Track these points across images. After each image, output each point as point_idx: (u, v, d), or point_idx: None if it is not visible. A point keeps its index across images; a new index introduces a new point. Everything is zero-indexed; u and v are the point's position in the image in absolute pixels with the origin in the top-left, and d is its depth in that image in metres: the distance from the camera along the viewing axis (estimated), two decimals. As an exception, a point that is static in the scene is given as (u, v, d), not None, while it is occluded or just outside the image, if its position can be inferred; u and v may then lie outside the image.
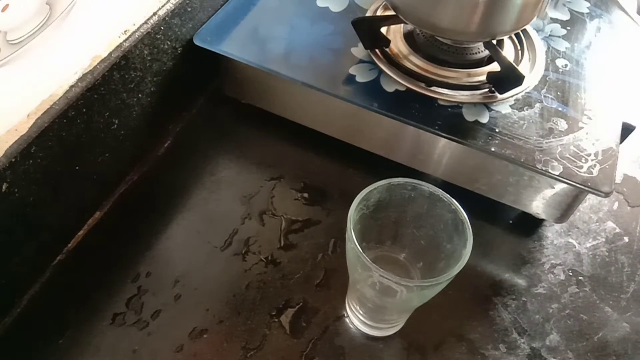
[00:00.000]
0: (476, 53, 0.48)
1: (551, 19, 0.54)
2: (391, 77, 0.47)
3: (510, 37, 0.51)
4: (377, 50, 0.49)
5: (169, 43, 0.47)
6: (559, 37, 0.52)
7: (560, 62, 0.50)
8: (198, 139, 0.51)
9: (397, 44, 0.49)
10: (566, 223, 0.47)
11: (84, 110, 0.39)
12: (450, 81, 0.46)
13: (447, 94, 0.46)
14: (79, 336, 0.39)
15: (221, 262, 0.43)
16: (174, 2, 0.46)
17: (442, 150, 0.46)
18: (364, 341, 0.40)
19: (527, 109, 0.46)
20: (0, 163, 0.34)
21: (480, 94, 0.46)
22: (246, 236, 0.44)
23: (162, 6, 0.45)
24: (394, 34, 0.50)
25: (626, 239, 0.48)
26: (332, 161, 0.50)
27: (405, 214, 0.37)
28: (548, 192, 0.44)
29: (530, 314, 0.42)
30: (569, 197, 0.44)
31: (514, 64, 0.45)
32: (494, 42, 0.47)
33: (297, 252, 0.44)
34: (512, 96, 0.46)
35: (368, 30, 0.48)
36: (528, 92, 0.47)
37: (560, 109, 0.46)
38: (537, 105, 0.46)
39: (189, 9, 0.48)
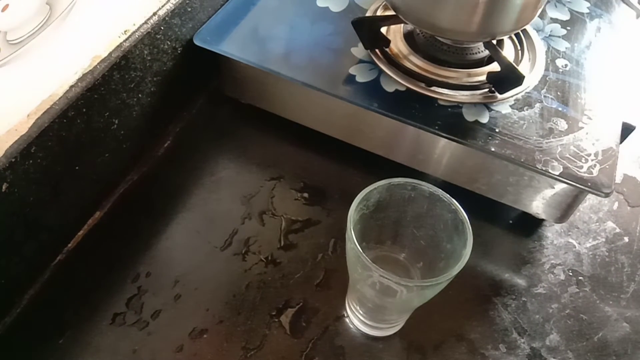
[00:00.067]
0: (476, 53, 0.48)
1: (551, 19, 0.54)
2: (391, 77, 0.47)
3: (510, 37, 0.51)
4: (377, 50, 0.49)
5: (169, 43, 0.47)
6: (559, 37, 0.52)
7: (560, 62, 0.50)
8: (198, 139, 0.51)
9: (397, 44, 0.49)
10: (566, 223, 0.47)
11: (84, 110, 0.39)
12: (450, 81, 0.46)
13: (447, 94, 0.46)
14: (79, 336, 0.39)
15: (221, 262, 0.43)
16: (174, 2, 0.46)
17: (442, 150, 0.46)
18: (364, 341, 0.40)
19: (527, 109, 0.46)
20: (0, 163, 0.34)
21: (480, 94, 0.46)
22: (246, 236, 0.44)
23: (162, 6, 0.45)
24: (394, 34, 0.50)
25: (626, 239, 0.48)
26: (332, 161, 0.50)
27: (405, 214, 0.37)
28: (548, 192, 0.44)
29: (530, 314, 0.42)
30: (569, 197, 0.44)
31: (514, 64, 0.45)
32: (494, 42, 0.47)
33: (297, 252, 0.44)
34: (512, 96, 0.46)
35: (368, 30, 0.48)
36: (528, 92, 0.47)
37: (560, 109, 0.46)
38: (537, 105, 0.46)
39: (189, 9, 0.48)
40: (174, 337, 0.39)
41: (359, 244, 0.31)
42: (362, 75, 0.47)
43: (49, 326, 0.39)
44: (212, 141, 0.51)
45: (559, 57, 0.50)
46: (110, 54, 0.41)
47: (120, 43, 0.42)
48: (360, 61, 0.48)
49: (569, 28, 0.54)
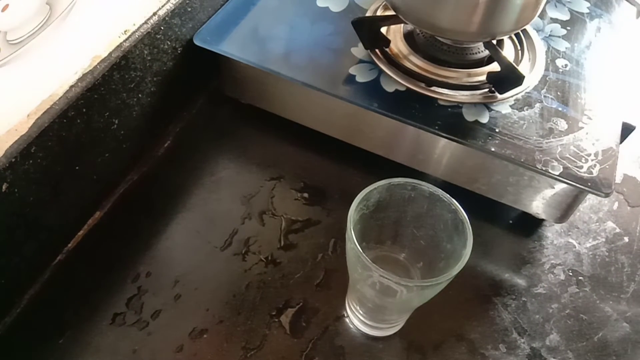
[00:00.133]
0: (476, 53, 0.48)
1: (551, 19, 0.54)
2: (391, 77, 0.47)
3: (510, 37, 0.51)
4: (377, 50, 0.49)
5: (169, 43, 0.47)
6: (559, 37, 0.52)
7: (560, 62, 0.50)
8: (198, 139, 0.51)
9: (397, 44, 0.49)
10: (566, 223, 0.47)
11: (84, 110, 0.39)
12: (450, 81, 0.46)
13: (447, 94, 0.46)
14: (79, 336, 0.39)
15: (221, 262, 0.43)
16: (174, 2, 0.46)
17: (442, 150, 0.46)
18: (364, 341, 0.40)
19: (527, 109, 0.46)
20: (0, 163, 0.34)
21: (480, 94, 0.46)
22: (246, 236, 0.44)
23: (162, 6, 0.45)
24: (394, 34, 0.50)
25: (626, 239, 0.48)
26: (332, 161, 0.50)
27: (405, 214, 0.37)
28: (548, 192, 0.44)
29: (530, 314, 0.42)
30: (569, 197, 0.44)
31: (514, 64, 0.45)
32: (494, 42, 0.47)
33: (297, 252, 0.44)
34: (512, 96, 0.46)
35: (368, 30, 0.48)
36: (528, 92, 0.47)
37: (560, 109, 0.46)
38: (537, 105, 0.46)
39: (189, 9, 0.48)
40: (174, 337, 0.39)
41: (359, 244, 0.31)
42: (362, 75, 0.47)
43: (49, 326, 0.39)
44: (212, 141, 0.51)
45: (559, 57, 0.50)
46: (110, 54, 0.41)
47: (120, 43, 0.42)
48: (360, 61, 0.48)
49: (569, 28, 0.54)
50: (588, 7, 0.56)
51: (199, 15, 0.50)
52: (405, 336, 0.40)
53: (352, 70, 0.47)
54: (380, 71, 0.47)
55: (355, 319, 0.40)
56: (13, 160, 0.34)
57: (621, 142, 0.45)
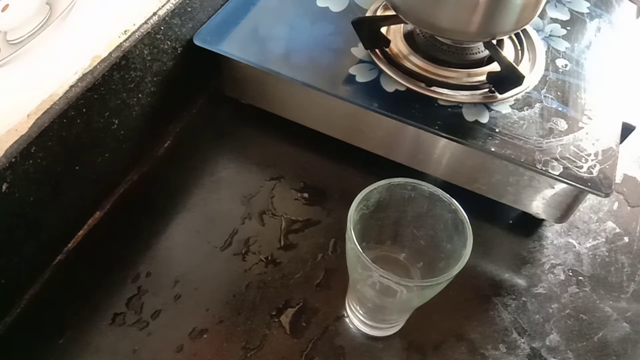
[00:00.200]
0: (476, 53, 0.48)
1: (551, 19, 0.54)
2: (391, 77, 0.47)
3: (510, 37, 0.51)
4: (377, 50, 0.49)
5: (169, 43, 0.47)
6: (559, 37, 0.52)
7: (560, 62, 0.50)
8: (198, 139, 0.51)
9: (397, 44, 0.49)
10: (566, 223, 0.47)
11: (84, 110, 0.39)
12: (450, 81, 0.46)
13: (447, 94, 0.46)
14: (79, 336, 0.39)
15: (221, 262, 0.43)
16: (174, 2, 0.46)
17: (442, 150, 0.46)
18: (364, 341, 0.40)
19: (527, 109, 0.46)
20: (0, 163, 0.34)
21: (480, 94, 0.46)
22: (246, 236, 0.44)
23: (162, 6, 0.45)
24: (394, 34, 0.50)
25: (626, 239, 0.48)
26: (332, 161, 0.50)
27: (405, 214, 0.37)
28: (548, 192, 0.44)
29: (530, 314, 0.42)
30: (569, 197, 0.44)
31: (514, 64, 0.45)
32: (494, 42, 0.47)
33: (297, 252, 0.44)
34: (512, 96, 0.46)
35: (368, 30, 0.48)
36: (528, 92, 0.47)
37: (560, 109, 0.46)
38: (537, 105, 0.46)
39: (189, 9, 0.48)
40: (174, 337, 0.39)
41: (359, 244, 0.31)
42: (362, 75, 0.47)
43: (49, 326, 0.39)
44: (212, 141, 0.51)
45: (559, 57, 0.50)
46: (110, 54, 0.41)
47: (120, 43, 0.42)
48: (360, 61, 0.48)
49: (569, 28, 0.54)
50: (588, 7, 0.56)
51: (199, 15, 0.50)
52: (405, 336, 0.40)
53: (352, 70, 0.47)
54: (380, 71, 0.47)
55: (355, 319, 0.40)
56: (13, 160, 0.34)
57: (621, 142, 0.45)
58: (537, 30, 0.52)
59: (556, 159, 0.42)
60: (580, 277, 0.45)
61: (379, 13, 0.52)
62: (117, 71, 0.41)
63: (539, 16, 0.53)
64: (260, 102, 0.52)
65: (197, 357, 0.38)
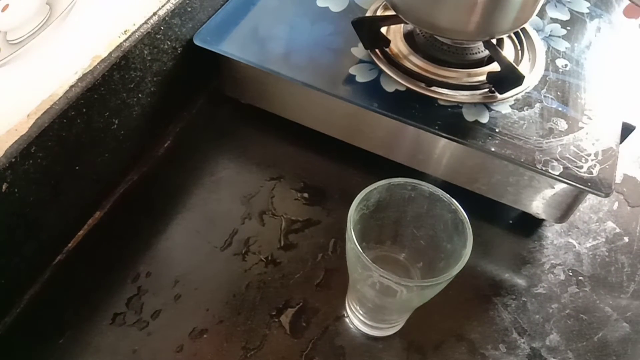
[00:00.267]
0: (476, 53, 0.48)
1: (551, 19, 0.54)
2: (391, 77, 0.47)
3: (510, 37, 0.51)
4: (377, 50, 0.49)
5: (169, 43, 0.47)
6: (559, 37, 0.52)
7: (560, 62, 0.50)
8: (198, 139, 0.51)
9: (397, 44, 0.49)
10: (566, 223, 0.47)
11: (84, 110, 0.39)
12: (450, 81, 0.46)
13: (447, 94, 0.46)
14: (79, 336, 0.39)
15: (221, 262, 0.43)
16: (174, 2, 0.46)
17: (442, 150, 0.46)
18: (364, 341, 0.40)
19: (527, 109, 0.46)
20: (0, 163, 0.34)
21: (480, 94, 0.46)
22: (246, 236, 0.44)
23: (162, 6, 0.45)
24: (394, 34, 0.50)
25: (626, 239, 0.48)
26: (332, 161, 0.50)
27: (405, 214, 0.37)
28: (548, 192, 0.44)
29: (530, 314, 0.42)
30: (569, 197, 0.44)
31: (514, 64, 0.45)
32: (494, 41, 0.47)
33: (297, 252, 0.44)
34: (512, 96, 0.46)
35: (368, 30, 0.48)
36: (528, 92, 0.47)
37: (560, 109, 0.46)
38: (537, 105, 0.46)
39: (189, 9, 0.48)
40: (174, 337, 0.39)
41: (359, 244, 0.31)
42: (362, 75, 0.47)
43: (49, 326, 0.39)
44: (212, 141, 0.51)
45: (559, 57, 0.50)
46: (110, 54, 0.41)
47: (120, 43, 0.42)
48: (360, 61, 0.48)
49: (569, 28, 0.54)
50: (588, 7, 0.56)
51: (199, 15, 0.50)
52: (405, 336, 0.40)
53: (352, 70, 0.47)
54: (380, 71, 0.47)
55: (355, 319, 0.40)
56: (13, 160, 0.34)
57: (621, 142, 0.45)
58: (537, 30, 0.52)
59: (556, 159, 0.42)
60: (580, 277, 0.45)
61: (379, 13, 0.52)
62: (117, 71, 0.41)
63: (539, 16, 0.54)
64: (260, 102, 0.52)
65: (197, 357, 0.38)
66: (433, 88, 0.46)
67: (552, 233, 0.47)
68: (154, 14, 0.45)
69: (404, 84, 0.46)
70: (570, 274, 0.45)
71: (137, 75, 0.44)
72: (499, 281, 0.44)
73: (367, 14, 0.52)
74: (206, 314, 0.40)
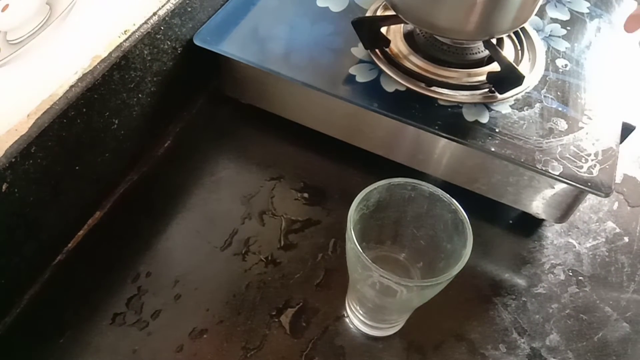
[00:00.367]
0: (476, 53, 0.48)
1: (551, 19, 0.54)
2: (391, 77, 0.47)
3: (510, 37, 0.51)
4: (377, 50, 0.49)
5: (169, 43, 0.47)
6: (559, 37, 0.52)
7: (560, 62, 0.50)
8: (198, 139, 0.51)
9: (397, 44, 0.49)
10: (566, 223, 0.47)
11: (84, 110, 0.39)
12: (450, 81, 0.46)
13: (447, 94, 0.46)
14: (79, 336, 0.39)
15: (221, 262, 0.43)
16: (174, 2, 0.46)
17: (442, 150, 0.46)
18: (364, 341, 0.40)
19: (527, 109, 0.46)
20: (0, 163, 0.34)
21: (480, 94, 0.46)
22: (246, 236, 0.44)
23: (162, 6, 0.45)
24: (394, 34, 0.50)
25: (626, 239, 0.48)
26: (332, 161, 0.50)
27: (405, 214, 0.37)
28: (548, 192, 0.44)
29: (530, 314, 0.42)
30: (569, 197, 0.44)
31: (514, 64, 0.45)
32: (494, 41, 0.47)
33: (297, 252, 0.44)
34: (512, 96, 0.46)
35: (368, 30, 0.48)
36: (528, 92, 0.47)
37: (560, 109, 0.46)
38: (537, 105, 0.46)
39: (189, 9, 0.48)
40: (174, 337, 0.39)
41: (359, 244, 0.31)
42: (362, 75, 0.47)
43: (49, 326, 0.39)
44: (212, 141, 0.51)
45: (559, 57, 0.50)
46: (110, 54, 0.41)
47: (120, 43, 0.42)
48: (360, 61, 0.48)
49: (569, 28, 0.54)
50: (588, 7, 0.56)
51: (199, 15, 0.50)
52: (405, 336, 0.40)
53: (352, 70, 0.47)
54: (380, 71, 0.47)
55: (355, 319, 0.40)
56: (13, 160, 0.34)
57: (621, 142, 0.45)
58: (537, 30, 0.52)
59: (556, 159, 0.42)
60: (580, 277, 0.45)
61: (379, 13, 0.52)
62: (117, 71, 0.41)
63: (539, 16, 0.54)
64: (260, 102, 0.52)
65: (197, 357, 0.38)
66: (433, 88, 0.46)
67: (552, 233, 0.47)
68: (154, 14, 0.45)
69: (404, 84, 0.46)
70: (570, 274, 0.45)
71: (137, 75, 0.44)
72: (499, 281, 0.44)
73: (367, 14, 0.52)
74: (206, 314, 0.40)
